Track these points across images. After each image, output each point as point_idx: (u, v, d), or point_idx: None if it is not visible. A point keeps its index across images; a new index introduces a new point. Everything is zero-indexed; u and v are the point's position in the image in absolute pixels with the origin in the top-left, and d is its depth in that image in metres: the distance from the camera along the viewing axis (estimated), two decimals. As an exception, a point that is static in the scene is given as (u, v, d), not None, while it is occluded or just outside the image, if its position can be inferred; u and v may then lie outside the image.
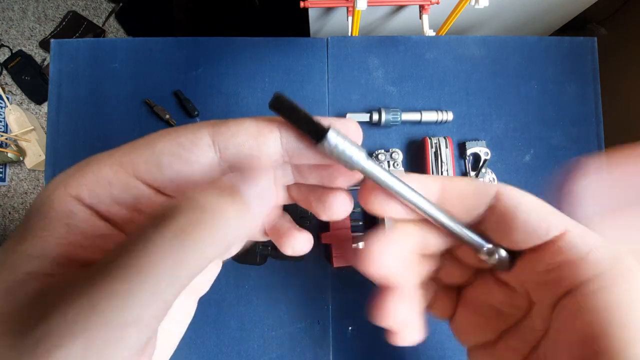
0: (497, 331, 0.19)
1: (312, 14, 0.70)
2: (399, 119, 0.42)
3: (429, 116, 0.42)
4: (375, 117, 0.42)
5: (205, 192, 0.14)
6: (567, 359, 0.15)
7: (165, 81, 0.45)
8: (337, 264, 0.39)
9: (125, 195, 0.16)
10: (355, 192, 0.19)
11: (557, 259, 0.16)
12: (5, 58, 1.30)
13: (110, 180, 0.15)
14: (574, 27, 0.92)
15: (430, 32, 0.57)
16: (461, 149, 0.43)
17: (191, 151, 0.16)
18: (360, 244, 0.37)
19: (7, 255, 0.14)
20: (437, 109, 0.43)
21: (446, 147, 0.41)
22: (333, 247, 0.39)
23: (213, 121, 0.16)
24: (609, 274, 0.15)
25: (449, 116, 0.43)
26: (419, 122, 0.43)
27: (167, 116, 0.43)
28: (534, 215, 0.16)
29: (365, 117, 0.42)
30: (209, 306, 0.40)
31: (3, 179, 1.28)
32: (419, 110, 0.43)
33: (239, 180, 0.15)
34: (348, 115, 0.42)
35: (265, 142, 0.16)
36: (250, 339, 0.40)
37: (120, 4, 1.32)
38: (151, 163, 0.15)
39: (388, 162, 0.41)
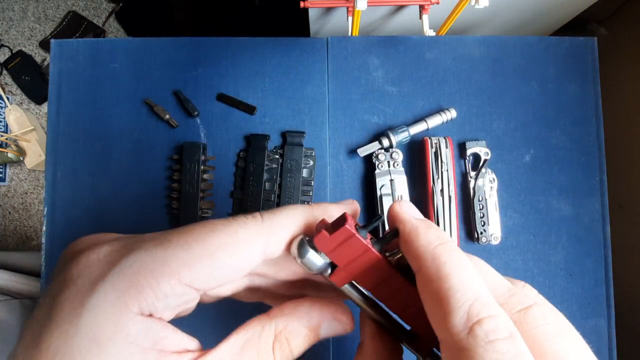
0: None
1: (312, 14, 0.70)
2: (409, 136, 0.42)
3: (435, 121, 0.42)
4: (385, 142, 0.41)
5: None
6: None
7: (165, 81, 0.44)
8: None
9: (177, 301, 0.18)
10: None
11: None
12: (5, 58, 1.30)
13: (166, 293, 0.17)
14: (574, 27, 0.92)
15: (430, 32, 0.57)
16: (461, 149, 0.43)
17: (246, 262, 0.18)
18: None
19: None
20: (438, 108, 0.43)
21: (446, 147, 0.41)
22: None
23: (261, 229, 0.19)
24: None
25: (452, 114, 0.42)
26: (427, 131, 0.43)
27: (167, 116, 0.43)
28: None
29: (375, 146, 0.42)
30: (209, 307, 0.40)
31: (3, 179, 1.28)
32: (424, 118, 0.42)
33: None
34: (358, 150, 0.41)
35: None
36: (250, 339, 0.40)
37: (120, 4, 1.32)
38: (210, 278, 0.18)
39: (388, 162, 0.41)
